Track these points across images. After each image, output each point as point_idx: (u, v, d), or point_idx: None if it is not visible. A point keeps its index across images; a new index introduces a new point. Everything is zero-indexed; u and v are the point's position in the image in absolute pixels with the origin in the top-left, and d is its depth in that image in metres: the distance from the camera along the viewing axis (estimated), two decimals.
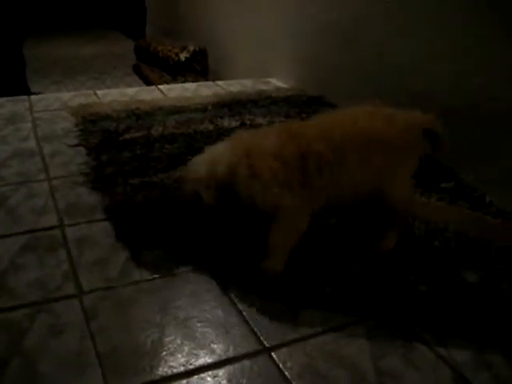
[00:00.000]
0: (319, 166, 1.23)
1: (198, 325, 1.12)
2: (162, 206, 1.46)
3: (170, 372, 1.00)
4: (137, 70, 4.30)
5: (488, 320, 1.15)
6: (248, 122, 2.10)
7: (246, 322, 1.13)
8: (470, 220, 1.52)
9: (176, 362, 1.02)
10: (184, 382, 0.99)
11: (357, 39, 2.21)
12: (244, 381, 1.00)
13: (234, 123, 2.10)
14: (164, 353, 1.05)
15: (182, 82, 3.35)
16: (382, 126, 1.27)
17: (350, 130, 1.26)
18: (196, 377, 1.00)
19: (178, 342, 1.07)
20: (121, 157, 1.77)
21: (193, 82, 3.27)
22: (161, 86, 2.73)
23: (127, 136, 1.95)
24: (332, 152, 1.23)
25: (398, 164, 1.30)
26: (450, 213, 1.55)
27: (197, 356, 1.04)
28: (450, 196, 1.64)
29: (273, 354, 1.06)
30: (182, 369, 1.01)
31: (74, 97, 2.47)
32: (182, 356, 1.04)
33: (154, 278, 1.25)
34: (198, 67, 3.68)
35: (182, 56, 3.67)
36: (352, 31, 2.23)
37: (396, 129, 1.28)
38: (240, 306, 1.18)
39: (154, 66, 3.98)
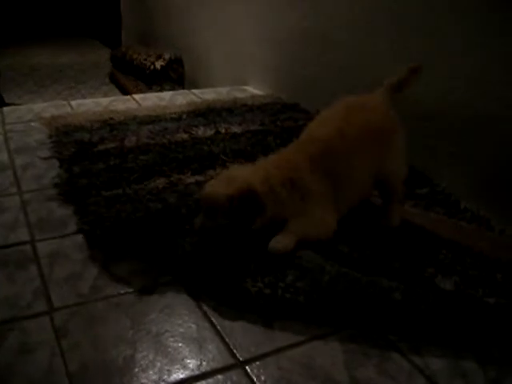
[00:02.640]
0: (339, 174, 1.36)
1: (171, 340, 1.11)
2: (135, 218, 1.44)
3: None
4: (113, 79, 4.27)
5: (463, 327, 1.15)
6: (223, 131, 2.09)
7: (220, 336, 1.12)
8: (445, 226, 1.53)
9: (148, 379, 1.01)
10: None
11: (332, 46, 2.21)
12: None
13: (209, 132, 2.09)
14: (136, 369, 1.03)
15: (158, 91, 3.34)
16: (376, 117, 1.42)
17: (352, 128, 1.38)
18: None
19: (151, 357, 1.06)
20: (94, 168, 1.75)
21: (169, 90, 3.26)
22: (135, 96, 2.71)
23: (101, 147, 1.92)
24: (345, 156, 1.36)
25: (391, 145, 1.44)
26: (425, 219, 1.55)
27: (169, 372, 1.03)
28: (425, 202, 1.64)
29: (247, 367, 1.05)
30: None
31: (48, 107, 2.44)
32: (154, 372, 1.02)
33: (127, 293, 1.24)
34: (174, 76, 3.67)
35: (158, 64, 3.66)
36: (328, 38, 2.24)
37: (386, 115, 1.44)
38: (213, 320, 1.16)
39: (129, 74, 3.96)
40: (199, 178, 1.69)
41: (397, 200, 1.51)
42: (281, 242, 1.30)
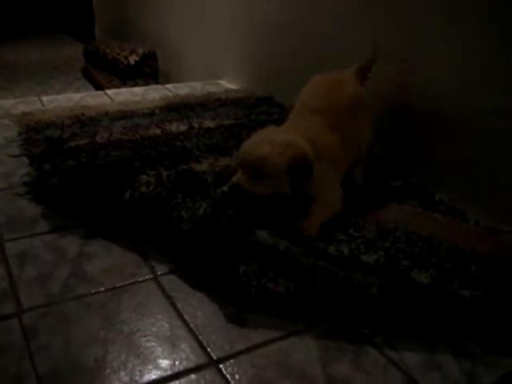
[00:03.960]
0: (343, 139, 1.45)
1: (143, 339, 1.08)
2: (106, 214, 1.42)
3: None
4: (86, 75, 4.22)
5: (438, 320, 1.15)
6: (196, 126, 2.07)
7: (193, 334, 1.10)
8: (420, 219, 1.52)
9: (119, 381, 0.99)
10: None
11: (306, 39, 2.20)
12: None
13: (182, 127, 2.06)
14: (107, 371, 1.01)
15: (131, 86, 3.30)
16: (359, 90, 1.58)
17: (345, 98, 1.52)
18: None
19: (122, 358, 1.04)
20: (65, 166, 1.71)
21: (143, 85, 3.23)
22: (108, 91, 2.67)
23: (72, 144, 1.88)
24: (343, 122, 1.47)
25: (365, 116, 1.59)
26: (400, 212, 1.54)
27: (141, 373, 1.01)
28: (400, 194, 1.63)
29: (221, 366, 1.03)
30: None
31: (18, 104, 2.39)
32: (126, 373, 1.00)
33: (98, 292, 1.21)
34: (148, 70, 3.63)
35: (132, 59, 3.61)
36: (301, 31, 2.22)
37: (360, 91, 1.59)
38: (187, 318, 1.14)
39: (103, 69, 3.91)
40: None
41: (362, 164, 1.66)
42: (311, 227, 1.36)
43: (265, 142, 1.33)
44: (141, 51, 3.65)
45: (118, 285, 1.24)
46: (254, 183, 1.32)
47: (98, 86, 3.74)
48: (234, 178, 1.34)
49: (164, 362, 1.03)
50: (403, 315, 1.14)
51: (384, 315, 1.15)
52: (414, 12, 1.70)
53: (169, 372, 1.01)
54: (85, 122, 2.10)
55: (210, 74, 2.98)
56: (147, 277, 1.27)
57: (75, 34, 5.66)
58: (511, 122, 1.45)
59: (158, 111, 2.25)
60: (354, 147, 1.55)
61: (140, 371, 1.01)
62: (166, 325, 1.12)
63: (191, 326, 1.12)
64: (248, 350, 1.07)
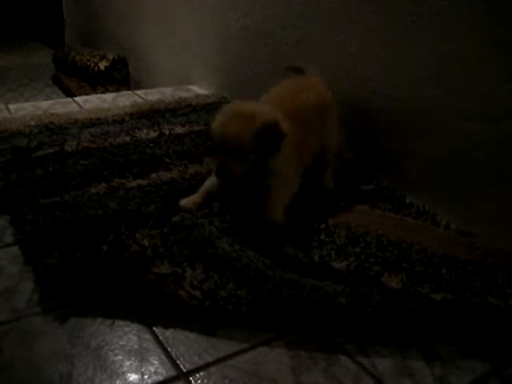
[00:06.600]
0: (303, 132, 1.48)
1: (111, 353, 1.06)
2: (73, 227, 1.39)
3: None
4: (57, 81, 4.16)
5: (410, 325, 1.14)
6: (166, 133, 2.05)
7: (162, 347, 1.08)
8: (391, 222, 1.52)
9: None
10: None
11: (274, 43, 2.19)
12: None
13: (152, 134, 2.04)
14: None
15: (102, 92, 3.26)
16: (322, 94, 1.64)
17: (307, 100, 1.57)
18: None
19: (89, 374, 1.01)
20: (32, 175, 1.68)
21: (113, 91, 3.19)
22: (77, 98, 2.64)
23: (39, 153, 1.85)
24: (305, 121, 1.50)
25: (329, 118, 1.64)
26: (371, 216, 1.54)
27: None
28: (371, 198, 1.63)
29: (191, 378, 1.02)
30: None
31: None
32: None
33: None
34: (119, 76, 3.60)
35: (102, 65, 3.58)
36: (269, 36, 2.21)
37: (324, 94, 1.65)
38: (155, 330, 1.12)
39: (73, 76, 3.86)
40: (141, 182, 1.64)
41: (330, 167, 1.68)
42: (277, 212, 1.40)
43: (234, 118, 1.37)
44: (111, 57, 3.62)
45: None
46: (235, 161, 1.35)
47: (69, 93, 3.69)
48: (217, 162, 1.37)
49: (132, 377, 1.01)
50: (374, 321, 1.13)
51: (355, 323, 1.13)
52: (373, 18, 1.70)
53: None
54: (53, 130, 2.07)
55: (181, 80, 2.95)
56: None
57: (45, 40, 5.59)
58: (478, 124, 1.46)
59: (127, 118, 2.22)
60: (314, 145, 1.57)
61: None
62: (134, 338, 1.10)
63: (160, 338, 1.10)
64: (218, 362, 1.05)
